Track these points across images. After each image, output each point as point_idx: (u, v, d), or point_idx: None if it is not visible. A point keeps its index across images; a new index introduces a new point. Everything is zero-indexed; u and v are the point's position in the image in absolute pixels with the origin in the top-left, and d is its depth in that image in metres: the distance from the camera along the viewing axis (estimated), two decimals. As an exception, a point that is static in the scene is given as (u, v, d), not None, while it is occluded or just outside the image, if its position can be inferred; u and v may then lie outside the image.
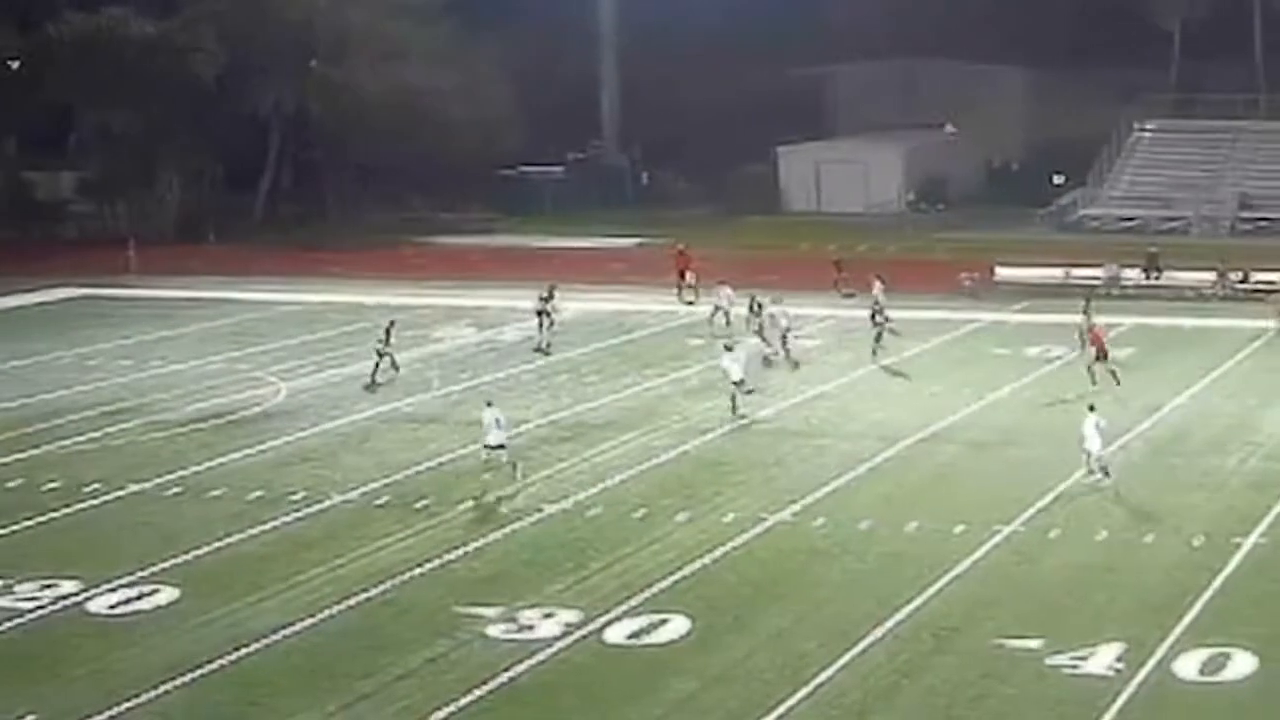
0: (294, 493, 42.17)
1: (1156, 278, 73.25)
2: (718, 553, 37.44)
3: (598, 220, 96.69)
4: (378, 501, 41.53)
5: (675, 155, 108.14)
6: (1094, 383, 52.06)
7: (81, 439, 48.12)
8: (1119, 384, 52.13)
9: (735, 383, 50.72)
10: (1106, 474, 42.04)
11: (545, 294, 62.72)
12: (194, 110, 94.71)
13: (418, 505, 41.06)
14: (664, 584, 35.31)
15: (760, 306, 60.41)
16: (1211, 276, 72.18)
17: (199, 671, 30.68)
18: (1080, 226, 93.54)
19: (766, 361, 57.59)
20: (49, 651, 31.79)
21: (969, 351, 60.05)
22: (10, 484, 43.32)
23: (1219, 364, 56.92)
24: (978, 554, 37.21)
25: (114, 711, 28.86)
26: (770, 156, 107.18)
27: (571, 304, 67.62)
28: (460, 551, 37.60)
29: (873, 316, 60.05)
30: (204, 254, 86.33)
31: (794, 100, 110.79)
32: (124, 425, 49.82)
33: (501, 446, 43.15)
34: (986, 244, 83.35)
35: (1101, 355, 53.59)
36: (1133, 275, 73.24)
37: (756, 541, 38.44)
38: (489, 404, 44.38)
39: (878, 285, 63.26)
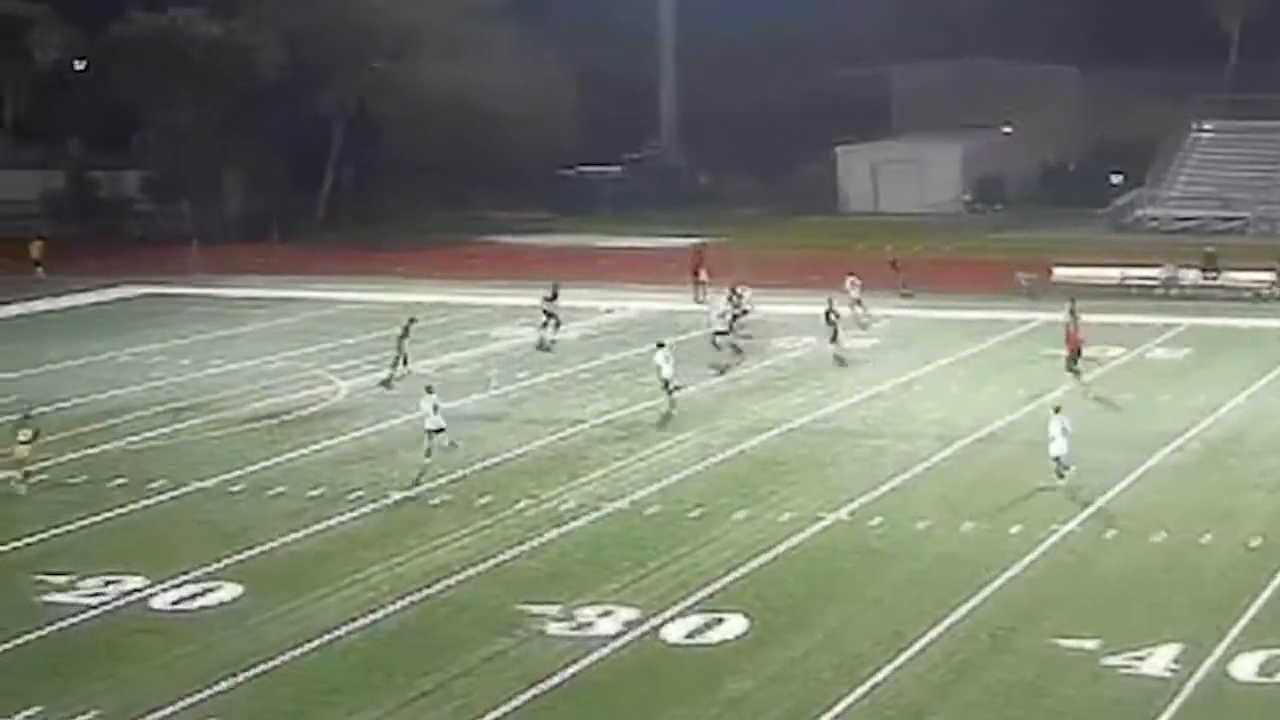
0: (354, 491, 42.23)
1: (1214, 278, 72.87)
2: (774, 552, 37.35)
3: (655, 220, 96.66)
4: (436, 500, 41.55)
5: (733, 155, 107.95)
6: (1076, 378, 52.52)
7: (145, 437, 48.30)
8: (1080, 381, 52.55)
9: (665, 380, 50.79)
10: (1060, 475, 41.62)
11: (549, 294, 62.80)
12: (257, 110, 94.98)
13: (477, 503, 41.06)
14: (721, 583, 35.23)
15: (739, 296, 61.33)
16: (1269, 276, 71.75)
17: (261, 668, 30.70)
18: (1137, 226, 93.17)
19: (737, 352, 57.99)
20: (113, 647, 31.86)
21: (1025, 352, 59.76)
22: (75, 481, 43.48)
23: (1276, 364, 56.52)
24: (1034, 554, 37.02)
25: (177, 707, 28.88)
26: (828, 156, 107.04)
27: (632, 304, 67.73)
28: (518, 550, 37.59)
29: (827, 315, 60.00)
30: (266, 253, 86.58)
31: (852, 100, 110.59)
32: (187, 423, 50.00)
33: (441, 430, 44.52)
34: (1043, 244, 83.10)
35: (1074, 354, 53.90)
36: (1190, 275, 72.88)
37: (813, 541, 38.33)
38: (429, 389, 45.48)
39: (851, 280, 64.84)
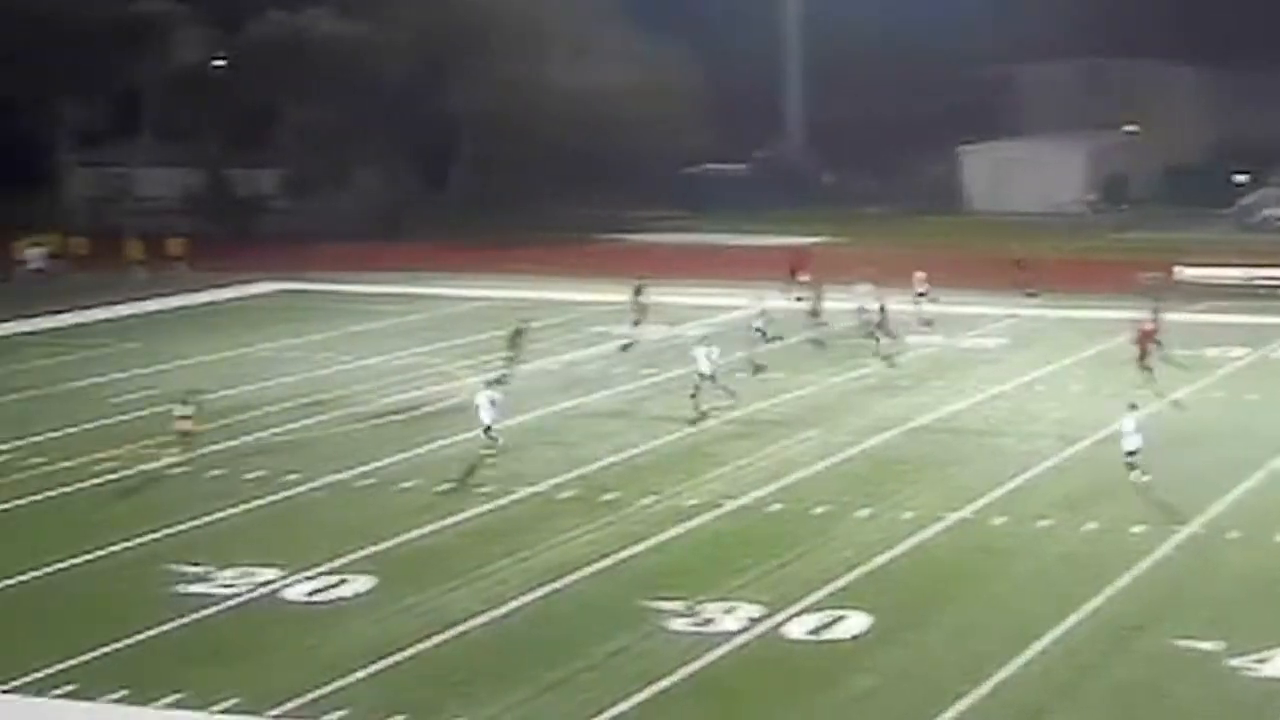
0: (483, 485, 42.51)
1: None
2: (897, 550, 37.30)
3: (780, 218, 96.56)
4: (564, 495, 41.77)
5: (857, 154, 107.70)
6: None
7: (280, 430, 48.82)
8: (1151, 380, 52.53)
9: (701, 374, 50.79)
10: (1132, 468, 41.40)
11: (636, 290, 62.92)
12: (388, 108, 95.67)
13: (603, 499, 41.24)
14: (843, 581, 35.22)
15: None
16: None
17: (392, 659, 30.98)
18: (1264, 227, 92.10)
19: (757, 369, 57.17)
20: (249, 637, 32.24)
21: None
22: (213, 474, 44.00)
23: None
24: (1157, 554, 36.79)
25: (311, 697, 29.18)
26: (951, 156, 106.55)
27: (756, 303, 67.59)
28: (644, 545, 37.72)
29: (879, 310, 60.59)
30: (396, 250, 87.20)
31: (976, 100, 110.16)
32: (321, 417, 50.49)
33: (489, 428, 45.10)
34: (1167, 244, 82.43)
35: (1145, 351, 53.68)
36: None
37: (935, 539, 38.25)
38: (486, 384, 46.54)
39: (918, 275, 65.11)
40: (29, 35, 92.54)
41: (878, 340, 59.85)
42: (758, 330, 58.98)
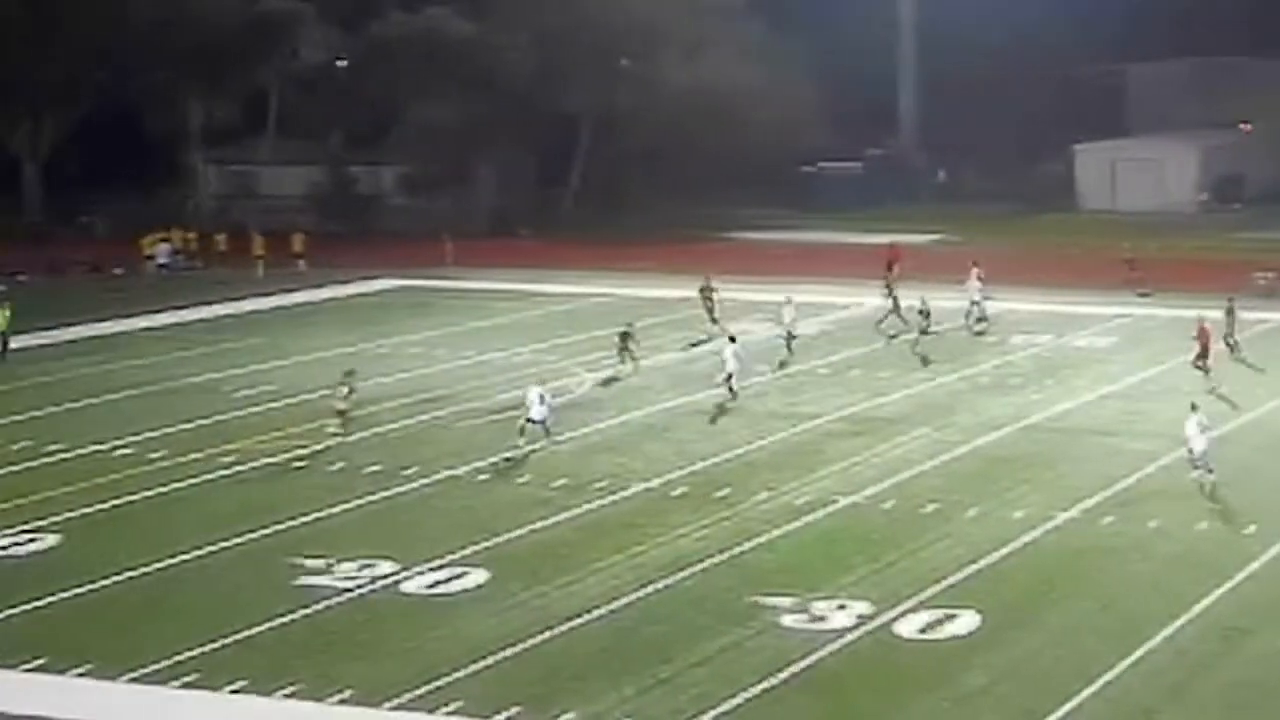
0: (597, 481, 42.54)
1: None
2: (1008, 549, 37.05)
3: (894, 217, 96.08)
4: (677, 491, 41.74)
5: (972, 153, 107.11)
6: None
7: (398, 425, 49.05)
8: (1208, 379, 52.17)
9: (729, 375, 51.45)
10: (1210, 471, 40.91)
11: (705, 285, 62.75)
12: (508, 107, 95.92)
13: (716, 495, 41.19)
14: (954, 579, 35.02)
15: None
16: None
17: (506, 652, 31.07)
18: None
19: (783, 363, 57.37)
20: (366, 630, 32.39)
21: (1261, 352, 58.53)
22: (333, 468, 44.29)
23: None
24: (1269, 555, 36.34)
25: (426, 689, 29.31)
26: (1066, 155, 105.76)
27: (869, 300, 67.47)
28: (756, 542, 37.64)
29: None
30: (515, 247, 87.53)
31: (1090, 98, 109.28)
32: (439, 412, 50.71)
33: (542, 422, 45.66)
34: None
35: (1203, 353, 53.24)
36: None
37: (1046, 538, 37.96)
38: (539, 382, 47.07)
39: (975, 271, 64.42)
40: (158, 36, 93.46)
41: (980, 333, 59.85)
42: (786, 331, 58.94)
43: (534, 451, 45.30)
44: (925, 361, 57.17)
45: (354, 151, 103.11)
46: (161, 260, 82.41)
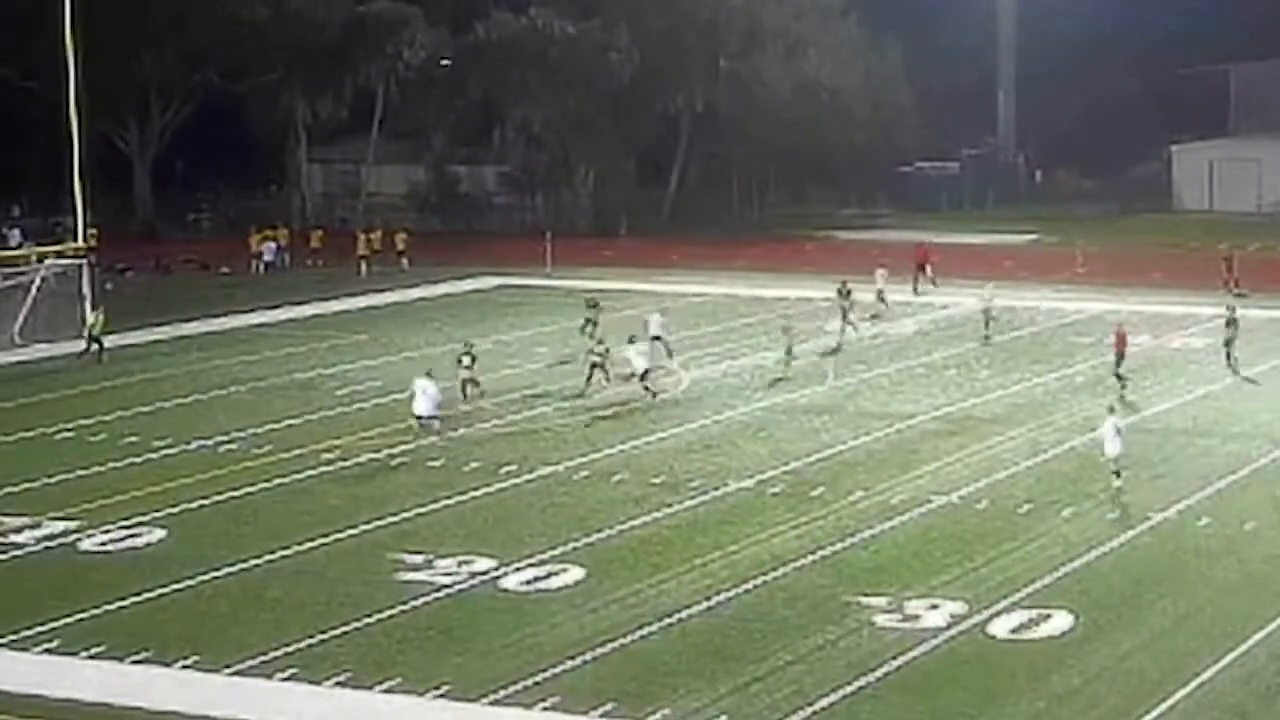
0: (693, 479, 42.53)
1: None
2: (1102, 549, 36.77)
3: (991, 217, 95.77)
4: (773, 490, 41.67)
5: (1069, 153, 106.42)
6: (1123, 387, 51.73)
7: (499, 422, 49.20)
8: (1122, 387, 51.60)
9: (638, 374, 51.56)
10: (1117, 475, 40.72)
11: (842, 289, 62.59)
12: (609, 107, 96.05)
13: (811, 494, 41.10)
14: (1048, 579, 34.79)
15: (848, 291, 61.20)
16: None
17: (602, 649, 31.11)
18: None
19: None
20: (465, 625, 32.50)
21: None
22: (433, 464, 44.46)
23: None
24: (1365, 558, 35.98)
25: (524, 684, 29.38)
26: (1163, 155, 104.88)
27: (965, 300, 67.17)
28: (850, 541, 37.52)
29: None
30: (615, 246, 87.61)
31: (1189, 98, 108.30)
32: (538, 410, 50.84)
33: (435, 418, 46.21)
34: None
35: (1119, 357, 52.93)
36: None
37: (1140, 539, 37.66)
38: (427, 373, 47.18)
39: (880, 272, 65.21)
40: (265, 37, 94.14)
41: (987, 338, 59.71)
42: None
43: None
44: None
45: (457, 151, 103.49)
46: (267, 258, 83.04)
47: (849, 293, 62.70)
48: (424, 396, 46.60)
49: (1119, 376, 52.70)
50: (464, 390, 50.34)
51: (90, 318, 60.57)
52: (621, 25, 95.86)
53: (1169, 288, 70.52)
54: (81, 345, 60.07)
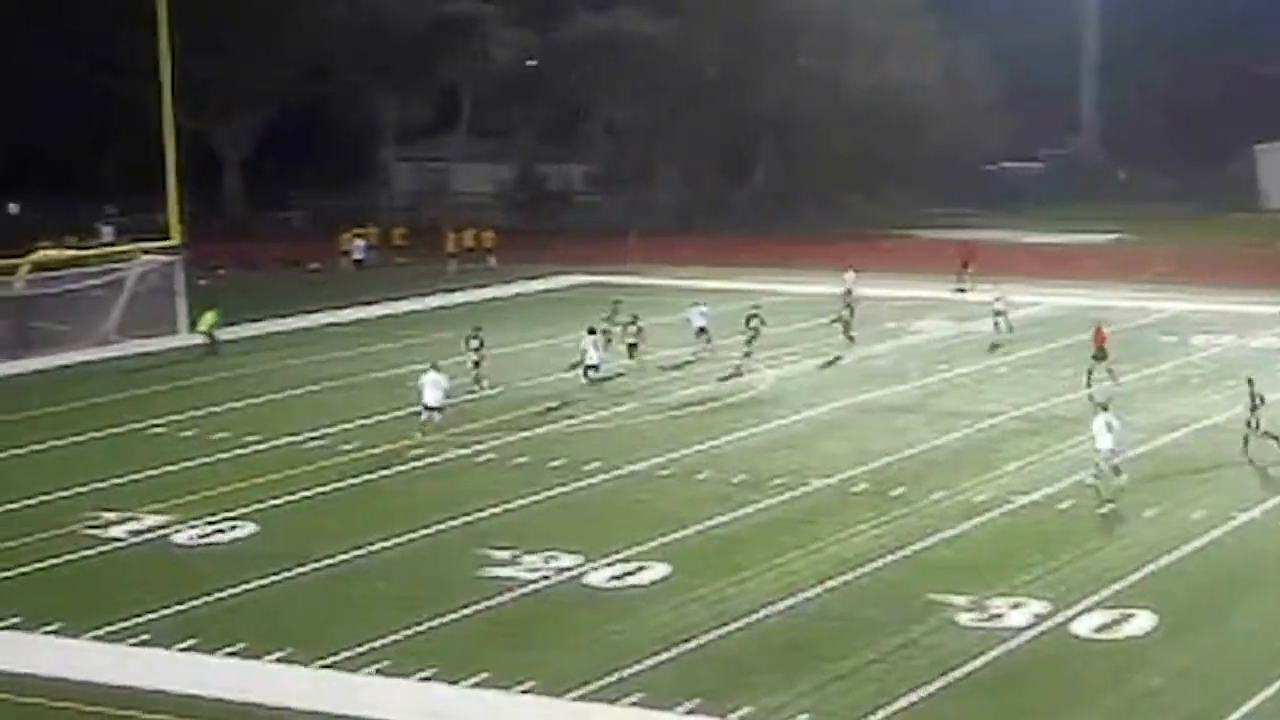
0: (776, 477, 42.47)
1: None
2: (1185, 549, 36.52)
3: (1074, 216, 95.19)
4: (854, 488, 41.58)
5: (1152, 152, 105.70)
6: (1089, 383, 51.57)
7: (583, 420, 49.29)
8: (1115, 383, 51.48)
9: (589, 366, 52.76)
10: (1117, 472, 40.53)
11: (959, 286, 62.47)
12: (691, 106, 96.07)
13: (893, 493, 40.99)
14: (1131, 579, 34.57)
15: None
16: None
17: (686, 646, 31.09)
18: None
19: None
20: (550, 621, 32.58)
21: None
22: (518, 461, 44.57)
23: None
24: None
25: (606, 681, 29.41)
26: (1248, 154, 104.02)
27: (1047, 299, 66.87)
28: (933, 540, 37.40)
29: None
30: (696, 244, 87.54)
31: (1275, 97, 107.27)
32: (622, 407, 50.88)
33: (439, 409, 46.07)
34: None
35: (1099, 354, 52.57)
36: None
37: (1225, 539, 37.37)
38: (434, 367, 47.38)
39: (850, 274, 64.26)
40: (352, 38, 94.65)
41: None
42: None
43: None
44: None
45: (543, 149, 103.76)
46: (356, 256, 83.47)
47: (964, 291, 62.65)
48: (433, 387, 46.79)
49: (1110, 372, 52.34)
50: (476, 378, 51.57)
51: (206, 317, 61.11)
52: (703, 25, 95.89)
53: (1253, 287, 69.91)
54: (178, 342, 60.79)
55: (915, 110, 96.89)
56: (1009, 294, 62.70)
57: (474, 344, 53.08)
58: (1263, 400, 43.94)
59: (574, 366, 53.92)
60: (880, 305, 67.42)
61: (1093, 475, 40.81)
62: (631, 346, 55.81)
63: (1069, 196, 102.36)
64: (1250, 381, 44.32)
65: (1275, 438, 43.67)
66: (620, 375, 54.70)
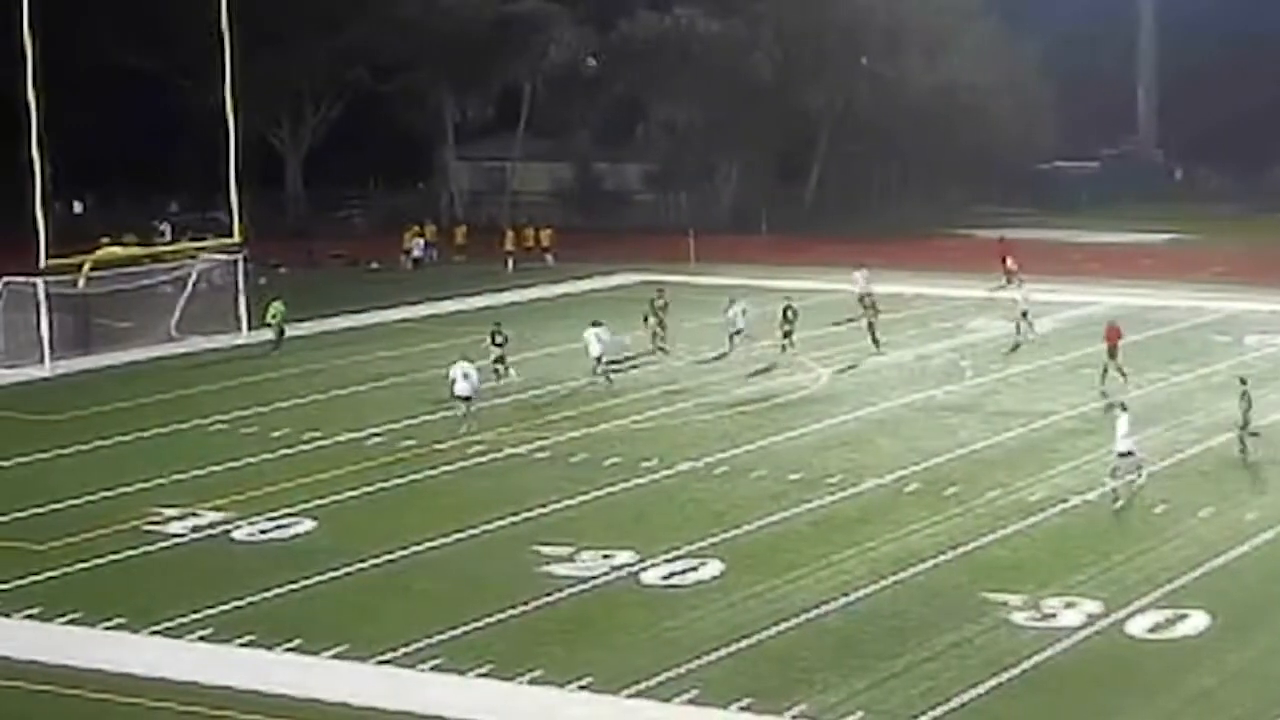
0: (830, 475, 42.42)
1: None
2: (1239, 550, 36.33)
3: (1130, 216, 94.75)
4: (909, 487, 41.49)
5: (1209, 152, 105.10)
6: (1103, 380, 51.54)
7: (641, 417, 49.32)
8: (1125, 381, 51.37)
9: (596, 358, 52.33)
10: (1139, 467, 40.83)
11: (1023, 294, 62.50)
12: (751, 105, 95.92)
13: (947, 492, 40.88)
14: (1185, 579, 34.42)
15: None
16: None
17: (741, 644, 31.10)
18: None
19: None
20: (605, 618, 32.64)
21: None
22: (575, 458, 44.62)
23: None
24: None
25: (662, 678, 29.44)
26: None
27: (1105, 298, 66.59)
28: (987, 538, 37.30)
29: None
30: (755, 243, 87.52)
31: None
32: (679, 406, 50.89)
33: (468, 398, 46.86)
34: None
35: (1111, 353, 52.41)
36: None
37: (1278, 540, 37.14)
38: (464, 358, 48.15)
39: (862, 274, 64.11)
40: (415, 36, 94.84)
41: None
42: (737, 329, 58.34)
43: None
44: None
45: (601, 149, 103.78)
46: (416, 254, 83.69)
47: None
48: (464, 380, 47.17)
49: (1121, 371, 52.13)
50: (496, 370, 52.31)
51: (273, 308, 61.45)
52: (763, 24, 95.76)
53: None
54: (238, 339, 61.20)
55: (973, 110, 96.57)
56: (1031, 294, 62.37)
57: (498, 339, 53.63)
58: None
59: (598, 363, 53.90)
60: (937, 304, 67.26)
61: (1118, 482, 40.55)
62: (655, 326, 55.78)
63: (1125, 196, 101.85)
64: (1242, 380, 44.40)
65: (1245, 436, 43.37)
66: (629, 358, 55.30)
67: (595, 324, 53.92)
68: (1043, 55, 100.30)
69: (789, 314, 57.99)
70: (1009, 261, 71.76)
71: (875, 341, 58.80)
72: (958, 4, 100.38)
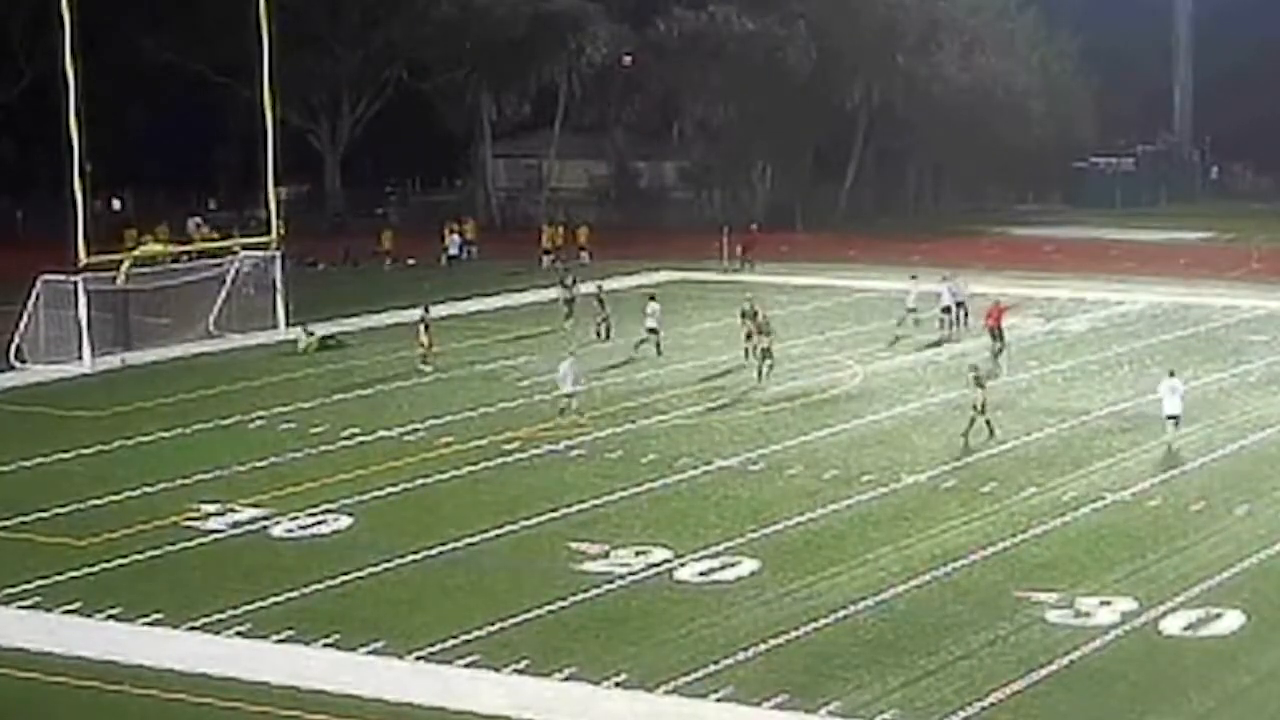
0: (867, 473, 42.35)
1: None
2: (1276, 548, 36.15)
3: (1166, 213, 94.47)
4: (945, 484, 41.40)
5: (1245, 149, 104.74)
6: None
7: (676, 415, 49.31)
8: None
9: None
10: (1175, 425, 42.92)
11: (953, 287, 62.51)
12: (786, 103, 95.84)
13: (983, 490, 40.79)
14: (1220, 578, 34.28)
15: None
16: None
17: (776, 641, 31.07)
18: None
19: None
20: (640, 615, 32.61)
21: None
22: (611, 455, 44.63)
23: None
24: None
25: (697, 675, 29.42)
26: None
27: (1141, 296, 66.41)
28: (1022, 536, 37.21)
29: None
30: (791, 241, 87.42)
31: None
32: (715, 403, 50.87)
33: (570, 396, 47.70)
34: None
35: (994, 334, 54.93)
36: None
37: (1315, 539, 37.05)
38: (572, 354, 49.43)
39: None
40: (452, 34, 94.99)
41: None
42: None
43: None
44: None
45: (637, 146, 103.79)
46: (452, 251, 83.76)
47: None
48: (563, 378, 48.02)
49: (996, 356, 54.11)
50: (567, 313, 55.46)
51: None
52: (799, 21, 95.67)
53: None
54: (276, 336, 61.58)
55: (1009, 107, 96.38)
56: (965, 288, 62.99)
57: (568, 281, 55.16)
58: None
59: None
60: (973, 302, 67.01)
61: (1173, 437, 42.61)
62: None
63: (1161, 193, 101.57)
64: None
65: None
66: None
67: (651, 298, 55.15)
68: (1079, 53, 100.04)
69: (751, 314, 56.35)
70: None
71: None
72: (995, 1, 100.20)
